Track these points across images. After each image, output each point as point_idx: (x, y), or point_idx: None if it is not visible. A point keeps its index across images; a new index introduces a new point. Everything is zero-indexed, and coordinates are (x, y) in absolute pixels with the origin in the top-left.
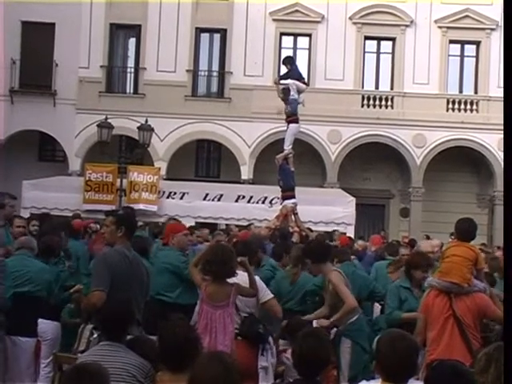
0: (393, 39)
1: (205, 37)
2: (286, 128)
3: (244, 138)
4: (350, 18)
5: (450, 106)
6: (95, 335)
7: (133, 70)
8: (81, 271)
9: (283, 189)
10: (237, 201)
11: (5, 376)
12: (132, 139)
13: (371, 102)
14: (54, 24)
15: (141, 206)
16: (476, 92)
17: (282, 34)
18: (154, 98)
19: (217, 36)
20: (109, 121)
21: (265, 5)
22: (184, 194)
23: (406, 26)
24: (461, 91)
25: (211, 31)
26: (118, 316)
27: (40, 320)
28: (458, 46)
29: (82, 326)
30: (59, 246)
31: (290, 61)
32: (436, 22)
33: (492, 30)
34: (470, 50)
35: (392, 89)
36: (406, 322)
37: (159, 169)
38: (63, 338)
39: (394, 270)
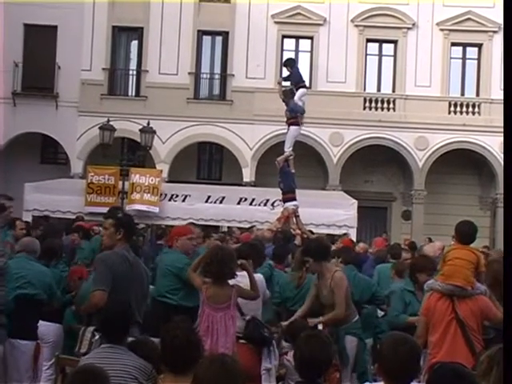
0: (395, 42)
1: (207, 39)
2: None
3: (246, 140)
4: (352, 21)
5: (452, 108)
6: (97, 337)
7: (135, 72)
8: None
9: (284, 191)
10: (239, 203)
11: (4, 379)
12: (134, 141)
13: (373, 104)
14: (56, 27)
15: (141, 207)
16: (478, 94)
17: (284, 36)
18: (156, 100)
19: (219, 38)
20: (111, 123)
21: (267, 7)
22: (186, 196)
23: (408, 28)
24: (463, 94)
25: (213, 34)
26: (118, 318)
27: (41, 322)
28: (460, 48)
29: (83, 328)
30: (61, 248)
31: (291, 63)
32: (438, 24)
33: (494, 32)
34: (471, 52)
35: (394, 91)
36: (411, 325)
37: (161, 171)
38: (65, 340)
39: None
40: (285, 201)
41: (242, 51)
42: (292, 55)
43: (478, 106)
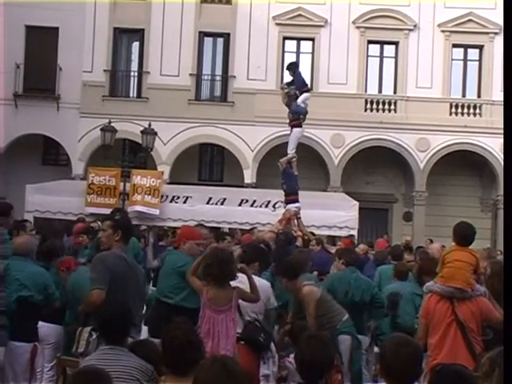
0: (396, 43)
1: (208, 41)
2: (289, 132)
3: (247, 141)
4: (353, 22)
5: (453, 109)
6: (94, 336)
7: (136, 74)
8: None
9: (287, 193)
10: (240, 205)
11: (1, 380)
12: (135, 143)
13: (374, 106)
14: (57, 28)
15: (142, 209)
16: (479, 96)
17: (285, 38)
18: (157, 101)
19: (220, 40)
20: (112, 125)
21: (268, 9)
22: (187, 197)
23: (410, 30)
24: (464, 95)
25: (214, 35)
26: (117, 319)
27: (42, 324)
28: (461, 50)
29: (80, 328)
30: (62, 249)
31: (293, 67)
32: (439, 26)
33: (495, 34)
34: (473, 54)
35: (395, 93)
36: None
37: (162, 173)
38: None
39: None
40: (287, 202)
41: (243, 53)
42: (293, 57)
43: (480, 108)
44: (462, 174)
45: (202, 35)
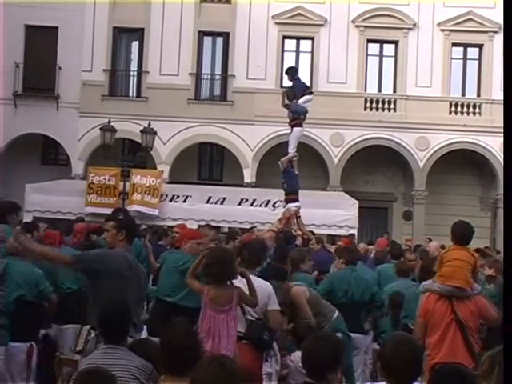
0: (395, 42)
1: (208, 40)
2: (289, 131)
3: (247, 141)
4: (353, 21)
5: (453, 108)
6: (93, 335)
7: (136, 73)
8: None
9: (287, 192)
10: (240, 204)
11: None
12: (135, 142)
13: (374, 105)
14: (57, 28)
15: (141, 209)
16: (479, 95)
17: (285, 37)
18: (156, 101)
19: (219, 39)
20: (112, 124)
21: (267, 8)
22: (187, 197)
23: (409, 29)
24: (463, 94)
25: (214, 35)
26: (117, 318)
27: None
28: (461, 49)
29: (79, 326)
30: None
31: (292, 72)
32: (439, 25)
33: (495, 32)
34: (472, 52)
35: (395, 92)
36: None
37: (162, 172)
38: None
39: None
40: (287, 202)
41: (242, 52)
42: (293, 56)
43: (479, 107)
44: (462, 173)
45: (202, 34)
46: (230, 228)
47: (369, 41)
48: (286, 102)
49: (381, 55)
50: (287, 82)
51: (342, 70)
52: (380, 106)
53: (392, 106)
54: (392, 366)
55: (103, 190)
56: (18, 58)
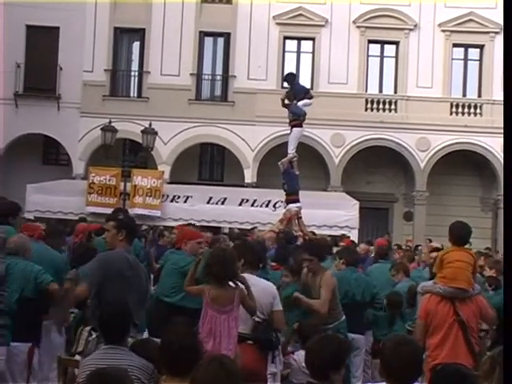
0: (396, 43)
1: (209, 40)
2: (289, 132)
3: (247, 141)
4: (354, 22)
5: (454, 109)
6: (93, 336)
7: (137, 73)
8: None
9: (288, 192)
10: (240, 204)
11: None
12: (136, 143)
13: (375, 105)
14: (58, 28)
15: (143, 212)
16: (480, 96)
17: (286, 37)
18: (157, 101)
19: (220, 40)
20: (113, 124)
21: (268, 9)
22: (187, 197)
23: (410, 29)
24: (464, 95)
25: (215, 35)
26: (117, 319)
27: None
28: (462, 49)
29: (80, 327)
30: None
31: (290, 79)
32: (440, 25)
33: (496, 33)
34: (473, 53)
35: (396, 92)
36: None
37: (163, 172)
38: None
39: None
40: (288, 202)
41: (243, 52)
42: (293, 56)
43: (480, 107)
44: (463, 174)
45: (203, 35)
46: (230, 229)
47: (370, 41)
48: (286, 101)
49: (382, 56)
50: (286, 82)
51: (343, 71)
52: (381, 106)
53: (393, 106)
54: (392, 366)
55: (104, 190)
56: (19, 58)
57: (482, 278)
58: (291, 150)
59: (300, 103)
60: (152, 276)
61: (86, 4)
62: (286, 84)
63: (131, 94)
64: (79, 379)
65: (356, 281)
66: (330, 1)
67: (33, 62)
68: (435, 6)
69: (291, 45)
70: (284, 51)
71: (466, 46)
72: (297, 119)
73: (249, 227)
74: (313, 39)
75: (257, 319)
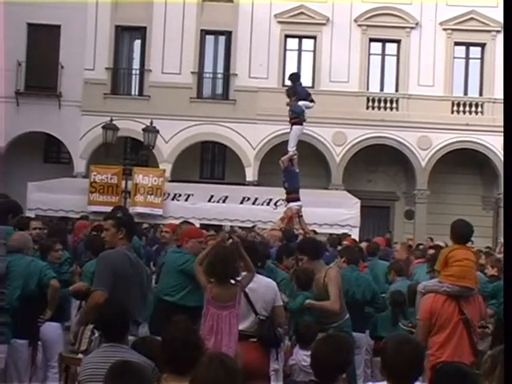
0: (398, 41)
1: (210, 39)
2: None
3: (249, 139)
4: (355, 20)
5: (455, 108)
6: (96, 334)
7: (138, 71)
8: None
9: (288, 191)
10: (241, 203)
11: (4, 379)
12: (137, 141)
13: (376, 104)
14: (59, 26)
15: (145, 210)
16: (481, 94)
17: (287, 36)
18: (159, 99)
19: (222, 38)
20: (114, 123)
21: (270, 7)
22: (189, 195)
23: (411, 28)
24: (466, 93)
25: (216, 33)
26: (116, 317)
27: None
28: (463, 48)
29: (82, 326)
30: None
31: (295, 78)
32: (441, 24)
33: (497, 32)
34: (475, 52)
35: (397, 91)
36: None
37: (164, 171)
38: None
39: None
40: (289, 201)
41: (244, 51)
42: (295, 55)
43: (481, 106)
44: (464, 173)
45: (204, 33)
46: (231, 227)
47: (371, 40)
48: (287, 97)
49: (383, 54)
50: (289, 81)
51: (344, 69)
52: (382, 105)
53: (394, 105)
54: (394, 365)
55: (105, 189)
56: (20, 57)
57: (483, 276)
58: (291, 147)
59: (301, 103)
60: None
61: (87, 2)
62: (288, 82)
63: (132, 92)
64: (80, 378)
65: (356, 279)
66: None
67: (34, 60)
68: (437, 5)
69: (292, 43)
70: (285, 49)
71: (468, 45)
72: (297, 117)
73: (250, 225)
74: (314, 37)
75: (261, 317)
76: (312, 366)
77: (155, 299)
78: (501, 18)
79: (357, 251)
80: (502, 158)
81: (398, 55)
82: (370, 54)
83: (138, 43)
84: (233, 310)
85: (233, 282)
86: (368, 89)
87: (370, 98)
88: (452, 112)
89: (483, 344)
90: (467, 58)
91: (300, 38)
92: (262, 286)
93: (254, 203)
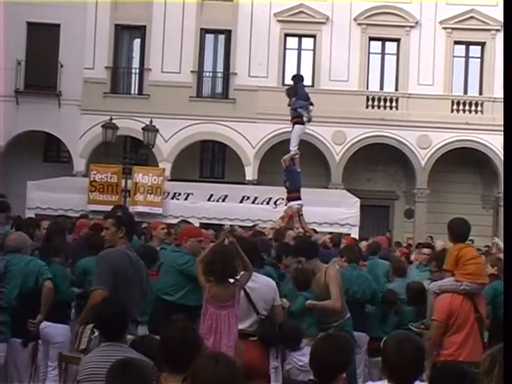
0: (397, 40)
1: (209, 38)
2: (290, 129)
3: (248, 138)
4: (355, 19)
5: (455, 107)
6: (96, 333)
7: (138, 70)
8: None
9: (289, 190)
10: (241, 202)
11: (4, 378)
12: (137, 140)
13: (376, 103)
14: (59, 25)
15: (145, 209)
16: (481, 93)
17: (287, 34)
18: (158, 98)
19: (221, 37)
20: (113, 121)
21: (269, 6)
22: (188, 194)
23: (411, 26)
24: (465, 92)
25: (216, 32)
26: (115, 316)
27: (47, 323)
28: (463, 47)
29: (82, 325)
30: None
31: (297, 79)
32: (441, 23)
33: (497, 30)
34: (474, 51)
35: (397, 90)
36: None
37: (164, 170)
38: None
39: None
40: (290, 200)
41: (244, 50)
42: (295, 54)
43: (481, 105)
44: (464, 172)
45: (204, 32)
46: (231, 226)
47: (371, 39)
48: (287, 96)
49: (383, 53)
50: (289, 80)
51: (344, 68)
52: (382, 104)
53: (394, 104)
54: (395, 364)
55: (105, 188)
56: (19, 56)
57: None
58: (293, 147)
59: (301, 102)
60: None
61: (86, 1)
62: (288, 78)
63: (132, 91)
64: (79, 377)
65: (357, 278)
66: None
67: (33, 59)
68: (436, 4)
69: (292, 42)
70: (285, 48)
71: (468, 44)
72: (298, 116)
73: (250, 224)
74: (314, 36)
75: (262, 316)
76: (311, 366)
77: (154, 298)
78: (501, 17)
79: (357, 250)
80: (502, 157)
81: (397, 54)
82: (369, 53)
83: (137, 42)
84: (232, 310)
85: (231, 281)
86: (368, 88)
87: (370, 96)
88: (452, 111)
89: None
90: (467, 56)
91: (300, 36)
92: (264, 285)
93: (253, 202)
